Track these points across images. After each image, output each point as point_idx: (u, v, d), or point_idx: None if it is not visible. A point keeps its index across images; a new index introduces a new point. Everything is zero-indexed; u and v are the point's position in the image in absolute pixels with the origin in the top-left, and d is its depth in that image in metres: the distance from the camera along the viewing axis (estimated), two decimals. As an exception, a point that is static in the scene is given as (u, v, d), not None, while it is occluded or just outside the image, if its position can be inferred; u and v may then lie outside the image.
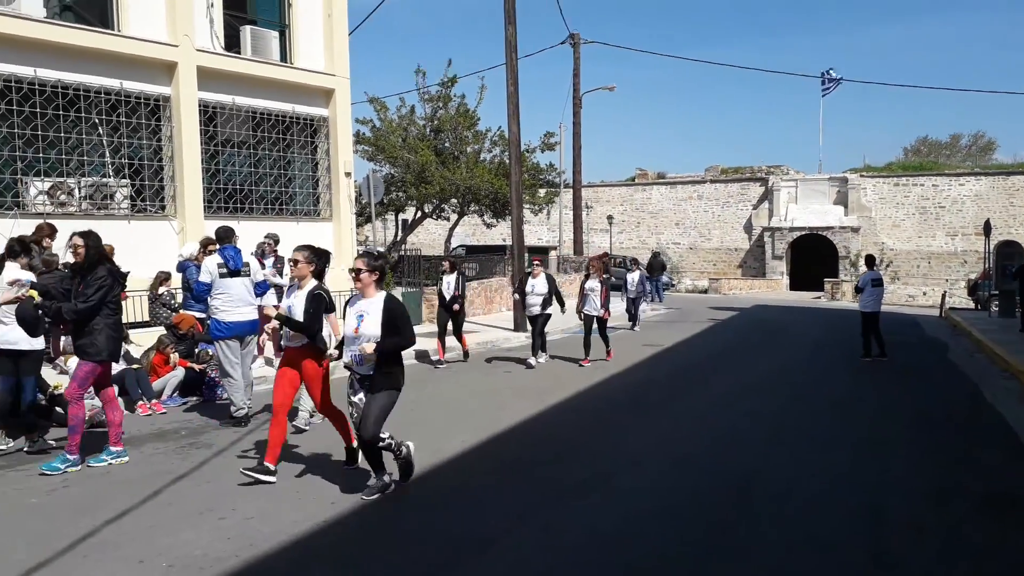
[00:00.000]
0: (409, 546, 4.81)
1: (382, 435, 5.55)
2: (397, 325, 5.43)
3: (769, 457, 6.97)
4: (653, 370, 12.01)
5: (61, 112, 12.14)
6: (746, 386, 10.52)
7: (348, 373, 5.73)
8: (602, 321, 12.26)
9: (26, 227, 10.02)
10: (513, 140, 16.47)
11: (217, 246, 8.38)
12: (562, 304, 12.21)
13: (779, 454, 7.07)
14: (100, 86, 12.55)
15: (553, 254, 31.10)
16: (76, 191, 12.38)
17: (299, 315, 6.14)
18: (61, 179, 12.23)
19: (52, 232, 9.15)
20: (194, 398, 9.15)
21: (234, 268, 8.09)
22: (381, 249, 17.10)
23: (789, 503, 5.67)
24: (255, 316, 8.22)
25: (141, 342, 9.81)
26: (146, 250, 12.39)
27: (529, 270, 12.91)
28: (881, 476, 6.36)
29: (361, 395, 5.55)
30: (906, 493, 5.94)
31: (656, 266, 26.98)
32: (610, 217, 41.69)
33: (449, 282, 11.96)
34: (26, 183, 11.91)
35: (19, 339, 6.56)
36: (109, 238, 10.79)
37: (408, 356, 10.88)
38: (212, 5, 13.93)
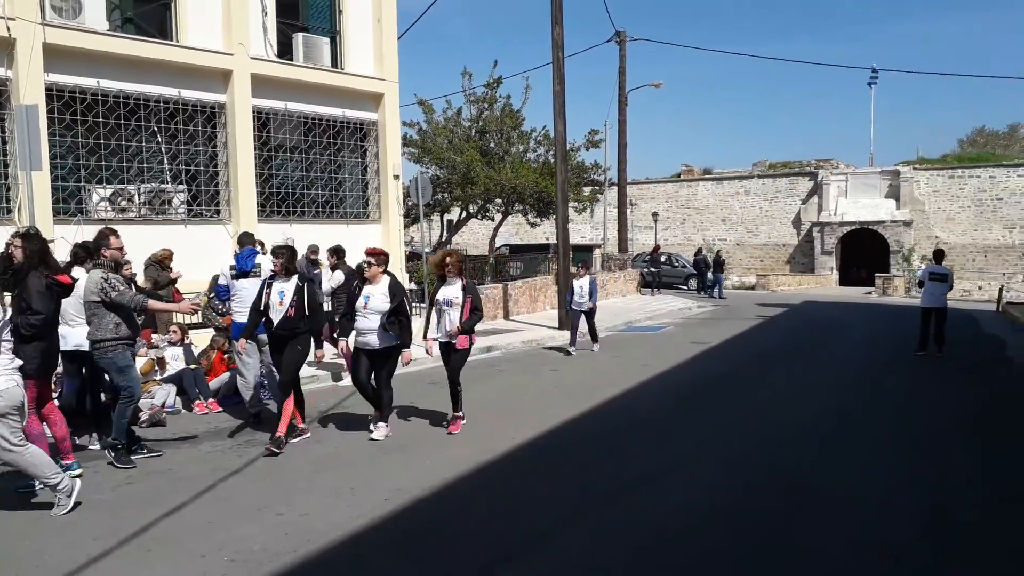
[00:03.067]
0: (461, 544, 4.90)
1: None
2: None
3: (825, 458, 6.90)
4: (701, 369, 11.91)
5: (122, 121, 12.56)
6: (798, 384, 10.40)
7: None
8: (460, 353, 7.77)
9: (89, 233, 10.40)
10: (559, 139, 16.55)
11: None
12: (409, 332, 7.46)
13: (835, 454, 6.99)
14: (159, 95, 12.94)
15: (597, 252, 31.03)
16: (136, 197, 12.80)
17: None
18: (122, 186, 12.65)
19: (113, 234, 9.47)
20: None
21: (241, 269, 8.28)
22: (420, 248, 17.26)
23: (847, 504, 5.60)
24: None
25: (198, 343, 10.11)
26: (202, 254, 12.73)
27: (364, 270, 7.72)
28: (942, 478, 6.26)
29: None
30: (968, 495, 5.85)
31: (719, 263, 27.86)
32: (655, 214, 41.37)
33: (284, 290, 7.21)
34: (89, 190, 12.35)
35: (84, 341, 6.78)
36: (167, 242, 11.23)
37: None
38: (266, 14, 14.24)
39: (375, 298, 7.28)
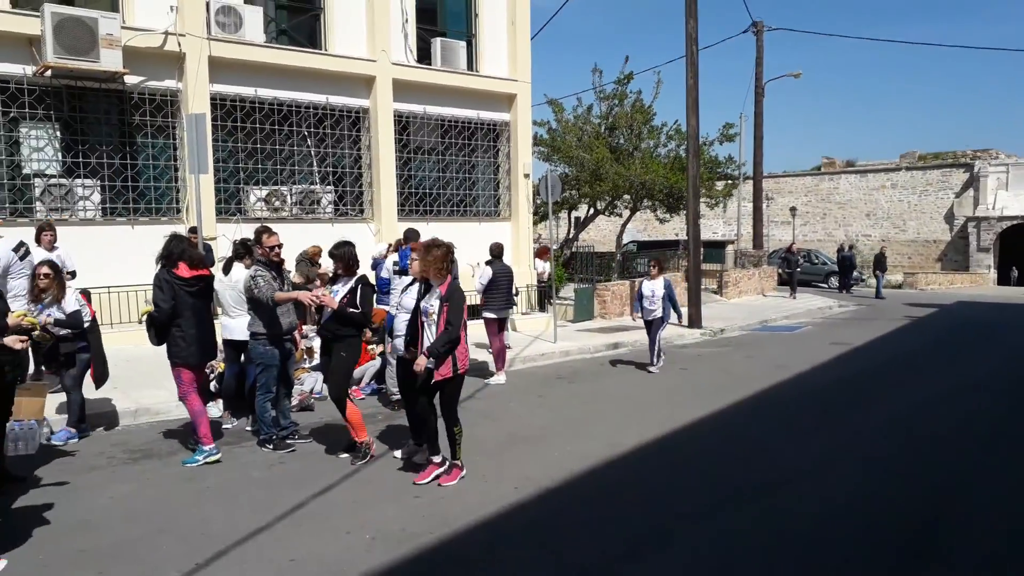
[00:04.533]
0: (590, 535, 5.03)
1: None
2: None
3: (969, 465, 6.56)
4: (843, 370, 11.43)
5: (276, 127, 13.52)
6: (951, 390, 9.82)
7: None
8: (445, 385, 5.95)
9: (247, 231, 11.28)
10: (691, 134, 16.31)
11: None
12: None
13: (980, 462, 6.64)
14: (309, 101, 13.83)
15: (730, 248, 30.27)
16: (288, 198, 13.74)
17: None
18: (276, 187, 13.63)
19: (267, 232, 10.21)
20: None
21: (403, 267, 8.68)
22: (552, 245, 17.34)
23: (992, 514, 5.34)
24: None
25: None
26: (347, 250, 13.49)
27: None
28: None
29: None
30: None
31: (880, 260, 27.52)
32: (793, 209, 39.74)
33: (337, 291, 6.66)
34: (247, 191, 13.38)
35: (239, 331, 7.42)
36: (316, 240, 11.97)
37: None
38: (407, 20, 14.88)
39: (409, 298, 6.28)
